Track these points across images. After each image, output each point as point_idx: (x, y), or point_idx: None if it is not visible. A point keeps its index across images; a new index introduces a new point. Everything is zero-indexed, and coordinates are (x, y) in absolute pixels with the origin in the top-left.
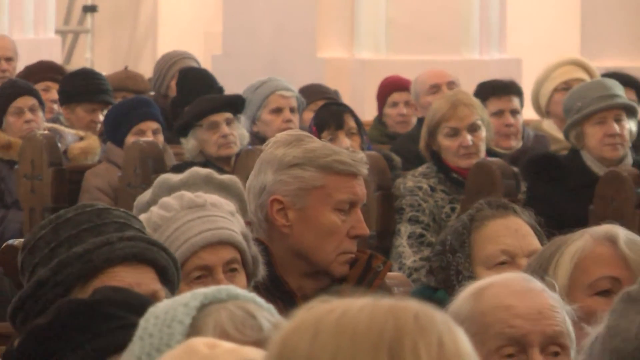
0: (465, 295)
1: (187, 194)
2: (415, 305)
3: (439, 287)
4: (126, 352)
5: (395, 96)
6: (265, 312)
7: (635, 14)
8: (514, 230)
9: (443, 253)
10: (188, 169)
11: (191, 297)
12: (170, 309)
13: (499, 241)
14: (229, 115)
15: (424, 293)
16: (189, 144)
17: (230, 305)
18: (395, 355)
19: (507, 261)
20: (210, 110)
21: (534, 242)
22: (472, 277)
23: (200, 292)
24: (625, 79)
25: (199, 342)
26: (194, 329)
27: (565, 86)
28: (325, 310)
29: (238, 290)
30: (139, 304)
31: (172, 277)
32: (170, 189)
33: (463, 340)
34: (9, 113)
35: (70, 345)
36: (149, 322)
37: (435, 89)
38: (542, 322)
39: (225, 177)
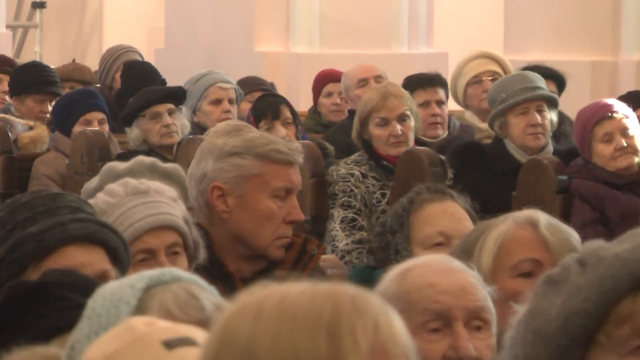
0: (391, 275)
1: (132, 181)
2: (351, 290)
3: (378, 266)
4: (75, 331)
5: (330, 87)
6: (207, 293)
7: (557, 10)
8: (451, 213)
9: (383, 234)
10: (132, 158)
11: (137, 279)
12: (117, 290)
13: (436, 223)
14: (170, 106)
15: (363, 272)
16: (133, 133)
17: (174, 287)
18: (334, 337)
19: (443, 242)
20: (153, 101)
21: (468, 226)
22: (410, 256)
23: (146, 275)
24: (546, 72)
25: (137, 321)
26: (139, 310)
27: (476, 79)
28: (266, 294)
29: (181, 272)
30: (86, 286)
31: (122, 258)
32: (116, 177)
33: (397, 322)
34: None
35: (19, 325)
36: (96, 302)
37: (363, 82)
38: (464, 297)
39: (168, 165)
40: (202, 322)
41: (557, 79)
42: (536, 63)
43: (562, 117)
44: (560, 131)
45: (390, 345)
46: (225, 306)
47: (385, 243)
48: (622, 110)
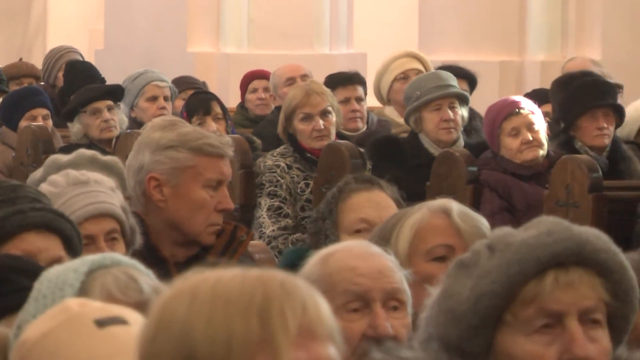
0: (314, 260)
1: (73, 172)
2: (281, 275)
3: (310, 248)
4: (22, 311)
5: (255, 83)
6: (145, 276)
7: (467, 14)
8: (376, 202)
9: (316, 220)
10: (74, 151)
11: (80, 263)
12: (61, 273)
13: (360, 211)
14: (109, 102)
15: (295, 252)
16: (75, 128)
17: (114, 270)
18: (265, 319)
19: (365, 229)
20: (93, 98)
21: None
22: (338, 241)
23: (89, 259)
24: (459, 72)
25: (72, 302)
26: (82, 292)
27: (403, 76)
28: (200, 279)
29: (121, 257)
30: (32, 270)
31: (75, 246)
32: (59, 168)
33: (323, 304)
34: None
35: None
36: (42, 284)
37: (291, 81)
38: (382, 280)
39: (107, 157)
40: (141, 304)
41: (469, 78)
42: (449, 63)
43: (472, 113)
44: (471, 126)
45: (317, 326)
46: (162, 289)
47: (318, 229)
48: (528, 106)
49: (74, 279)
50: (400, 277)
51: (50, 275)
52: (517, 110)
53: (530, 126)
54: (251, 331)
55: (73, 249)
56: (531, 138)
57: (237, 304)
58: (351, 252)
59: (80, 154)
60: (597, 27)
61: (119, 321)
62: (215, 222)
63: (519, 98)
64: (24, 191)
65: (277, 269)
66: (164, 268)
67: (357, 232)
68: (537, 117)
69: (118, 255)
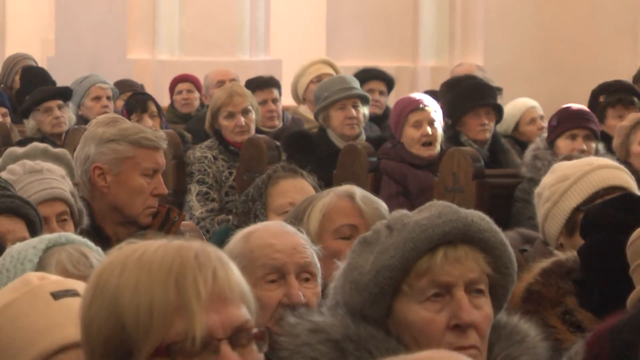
0: (237, 237)
1: (28, 162)
2: (196, 246)
3: (239, 226)
4: None
5: (180, 86)
6: (95, 252)
7: (368, 25)
8: (300, 188)
9: (246, 201)
10: (29, 144)
11: (39, 241)
12: (22, 250)
13: (288, 195)
14: (60, 102)
15: (223, 232)
16: (30, 124)
17: (68, 247)
18: (180, 286)
19: None
20: (45, 98)
21: None
22: (267, 221)
23: (46, 237)
24: (377, 74)
25: (32, 275)
26: (40, 266)
27: (317, 79)
28: (130, 250)
29: (74, 236)
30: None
31: (37, 229)
32: (16, 159)
33: (233, 271)
34: None
35: None
36: (5, 260)
37: (221, 83)
38: (296, 255)
39: (58, 149)
40: None
41: (386, 79)
42: (352, 68)
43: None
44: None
45: (227, 292)
46: (87, 256)
47: (247, 209)
48: (431, 105)
49: (33, 254)
50: (311, 253)
51: (12, 252)
52: (421, 106)
53: (431, 122)
54: (169, 299)
55: (35, 231)
56: (430, 132)
57: (158, 272)
58: (269, 230)
59: (33, 147)
60: (480, 37)
61: (73, 293)
62: (151, 205)
63: (425, 96)
64: None
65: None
66: (108, 246)
67: (285, 214)
68: (437, 115)
69: (72, 235)
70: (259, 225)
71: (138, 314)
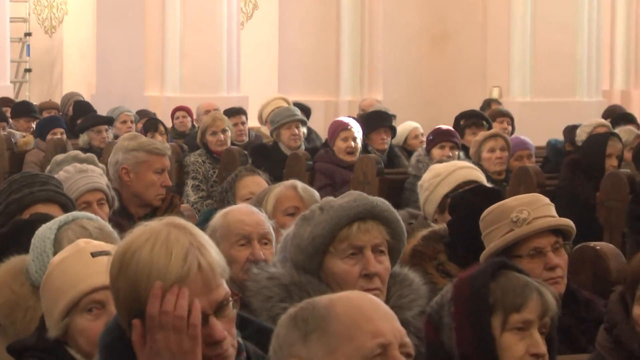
0: (218, 215)
1: (78, 165)
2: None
3: (218, 208)
4: (29, 255)
5: (177, 113)
6: (94, 222)
7: (307, 72)
8: (257, 182)
9: (222, 192)
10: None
11: (53, 223)
12: (43, 231)
13: (248, 187)
14: (106, 126)
15: (208, 212)
16: (83, 139)
17: (72, 224)
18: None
19: (251, 198)
20: (98, 123)
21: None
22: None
23: (57, 219)
24: (304, 107)
25: (80, 241)
26: (56, 241)
27: (277, 108)
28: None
29: (80, 213)
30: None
31: (69, 211)
32: (57, 163)
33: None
34: None
35: (15, 240)
36: (35, 238)
37: (207, 112)
38: (258, 227)
39: (86, 155)
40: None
41: (306, 111)
42: (298, 102)
43: (310, 130)
44: (309, 138)
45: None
46: (104, 226)
47: (222, 197)
48: (355, 126)
49: (49, 233)
50: (268, 225)
51: (38, 232)
52: (349, 127)
53: (354, 138)
54: (165, 266)
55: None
56: (353, 145)
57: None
58: (240, 210)
59: (68, 155)
60: (380, 80)
61: (105, 253)
62: (161, 193)
63: (351, 120)
64: (37, 178)
65: (194, 225)
66: (132, 220)
67: (247, 200)
68: (358, 133)
69: (78, 213)
70: (233, 207)
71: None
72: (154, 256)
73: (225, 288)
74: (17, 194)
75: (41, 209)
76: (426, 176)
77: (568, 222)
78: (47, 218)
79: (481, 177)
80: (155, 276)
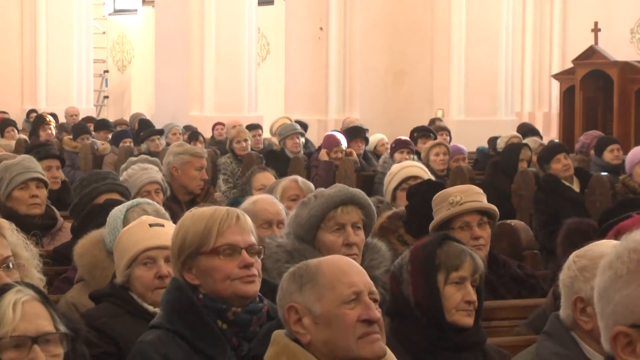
0: (248, 202)
1: (141, 164)
2: (225, 208)
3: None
4: (104, 229)
5: (217, 127)
6: (152, 206)
7: (305, 96)
8: (267, 177)
9: (243, 184)
10: (141, 155)
11: (122, 206)
12: (115, 211)
13: (260, 181)
14: (159, 136)
15: (234, 199)
16: (143, 147)
17: (137, 207)
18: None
19: (264, 189)
20: (154, 133)
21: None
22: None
23: (126, 204)
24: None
25: (143, 217)
26: (125, 219)
27: (283, 124)
28: (198, 209)
29: (141, 199)
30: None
31: (128, 198)
32: (131, 162)
33: (247, 218)
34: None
35: (93, 222)
36: (110, 217)
37: (234, 126)
38: (278, 215)
39: (153, 158)
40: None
41: (304, 127)
42: (299, 120)
43: (307, 140)
44: (306, 146)
45: (244, 226)
46: (159, 209)
47: (243, 188)
48: (342, 140)
49: (120, 214)
50: (284, 214)
51: (112, 213)
52: (339, 143)
53: (342, 150)
54: (199, 232)
55: (127, 199)
56: (341, 155)
57: (202, 220)
58: (264, 200)
59: (140, 157)
60: (357, 102)
61: (160, 225)
62: (200, 185)
63: (341, 135)
64: (100, 175)
65: (224, 206)
66: (179, 204)
67: (259, 190)
68: (344, 144)
69: (140, 199)
70: (259, 197)
71: (192, 239)
72: (205, 210)
73: (254, 239)
74: (86, 189)
75: (106, 196)
76: (388, 174)
77: (491, 206)
78: (116, 203)
79: (421, 173)
80: (211, 224)
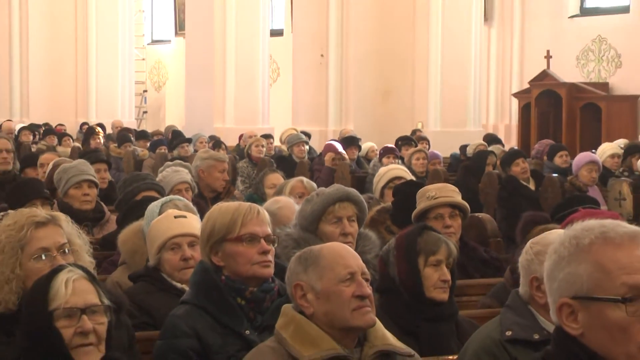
0: (271, 202)
1: (174, 167)
2: (247, 204)
3: (254, 194)
4: (143, 221)
5: (243, 137)
6: (182, 202)
7: (309, 110)
8: (277, 177)
9: (257, 184)
10: (175, 160)
11: (158, 202)
12: (152, 206)
13: (271, 181)
14: (188, 144)
15: (250, 195)
16: (175, 152)
17: (169, 203)
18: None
19: (274, 187)
20: (183, 142)
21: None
22: (264, 191)
23: (160, 200)
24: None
25: (170, 211)
26: (160, 213)
27: (290, 134)
28: (222, 204)
29: (173, 196)
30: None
31: (163, 195)
32: (167, 166)
33: (265, 213)
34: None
35: (134, 215)
36: (147, 211)
37: (250, 136)
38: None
39: (185, 163)
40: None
41: (308, 136)
42: (304, 130)
43: (310, 147)
44: (310, 152)
45: (264, 220)
46: (189, 205)
47: (257, 187)
48: (339, 147)
49: (156, 208)
50: (295, 208)
51: (149, 208)
52: (338, 151)
53: (339, 156)
54: (226, 222)
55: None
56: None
57: (227, 212)
58: (288, 207)
59: (175, 162)
60: (352, 117)
61: (183, 216)
62: (222, 184)
63: (337, 143)
64: (139, 176)
65: (243, 202)
66: (205, 201)
67: (270, 188)
68: (341, 150)
69: (172, 196)
70: (284, 202)
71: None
72: (231, 205)
73: (270, 230)
74: (129, 188)
75: (145, 194)
76: (376, 175)
77: (460, 201)
78: (153, 199)
79: (404, 174)
80: (236, 216)
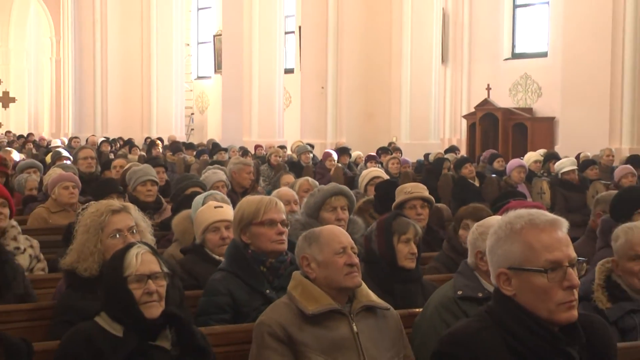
0: (275, 191)
1: (212, 169)
2: (268, 197)
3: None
4: (191, 210)
5: (258, 148)
6: (220, 196)
7: (313, 127)
8: (290, 178)
9: (274, 182)
10: (211, 166)
11: (201, 195)
12: (197, 199)
13: (285, 180)
14: (223, 152)
15: (269, 191)
16: (214, 159)
17: (210, 196)
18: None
19: (287, 185)
20: (217, 151)
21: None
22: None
23: (203, 194)
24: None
25: (210, 202)
26: (203, 204)
27: (298, 145)
28: (252, 196)
29: (213, 191)
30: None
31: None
32: (207, 169)
33: (281, 204)
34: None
35: (184, 205)
36: (194, 202)
37: (271, 147)
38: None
39: (221, 167)
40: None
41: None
42: (309, 143)
43: (313, 155)
44: (313, 159)
45: (281, 209)
46: (225, 198)
47: (274, 184)
48: (334, 155)
49: (200, 199)
50: (295, 195)
51: (195, 200)
52: (332, 157)
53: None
54: (252, 210)
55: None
56: (334, 165)
57: (252, 203)
58: (283, 191)
59: (215, 166)
60: (345, 132)
61: (221, 207)
62: (249, 182)
63: (333, 152)
64: (187, 176)
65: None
66: (236, 195)
67: (285, 186)
68: (335, 157)
69: (212, 191)
70: (281, 189)
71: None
72: (255, 197)
73: (284, 216)
74: (180, 185)
75: (192, 189)
76: (360, 176)
77: (429, 196)
78: (198, 193)
79: (383, 174)
80: (260, 206)
